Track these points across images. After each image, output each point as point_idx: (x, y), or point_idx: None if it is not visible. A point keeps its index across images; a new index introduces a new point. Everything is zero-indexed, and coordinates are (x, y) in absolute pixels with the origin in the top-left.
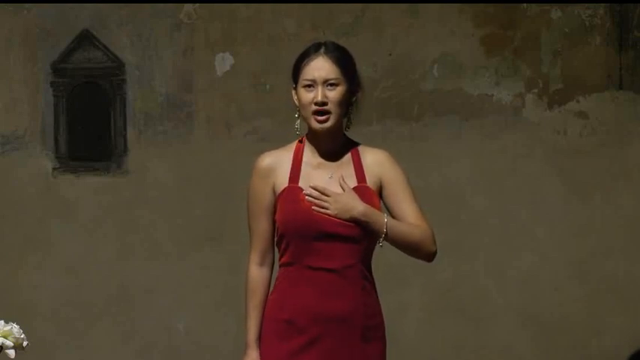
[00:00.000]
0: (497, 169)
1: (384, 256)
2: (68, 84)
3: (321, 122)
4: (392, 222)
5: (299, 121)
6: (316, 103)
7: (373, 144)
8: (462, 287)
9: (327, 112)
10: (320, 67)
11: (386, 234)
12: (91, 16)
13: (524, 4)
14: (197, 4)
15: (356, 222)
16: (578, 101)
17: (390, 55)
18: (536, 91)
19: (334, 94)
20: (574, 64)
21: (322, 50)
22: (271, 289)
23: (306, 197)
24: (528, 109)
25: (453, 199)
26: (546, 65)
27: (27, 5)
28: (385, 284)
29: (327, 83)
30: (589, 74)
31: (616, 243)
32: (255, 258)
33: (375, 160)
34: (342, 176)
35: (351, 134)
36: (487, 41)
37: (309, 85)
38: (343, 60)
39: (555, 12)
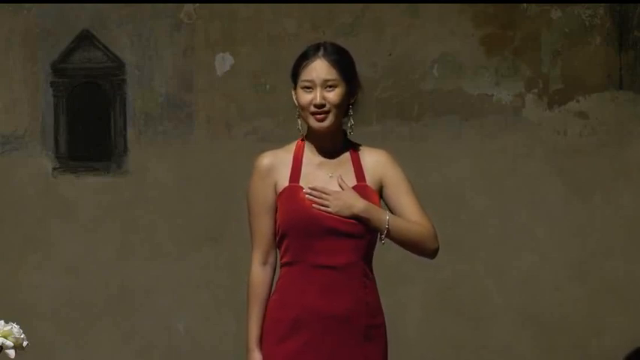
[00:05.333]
0: (497, 169)
1: (383, 256)
2: (68, 84)
3: (319, 121)
4: (393, 218)
5: (300, 121)
6: (315, 105)
7: (373, 144)
8: (462, 287)
9: (326, 113)
10: (318, 68)
11: (388, 230)
12: (91, 16)
13: (524, 4)
14: (197, 4)
15: (357, 219)
16: (578, 101)
17: (390, 55)
18: (536, 91)
19: (332, 96)
20: (574, 64)
21: (320, 53)
22: (273, 289)
23: (307, 196)
24: (528, 109)
25: (453, 199)
26: (546, 65)
27: (27, 5)
28: (385, 283)
29: (326, 85)
30: (589, 74)
31: (616, 243)
32: (258, 258)
33: (375, 160)
34: (341, 175)
35: (351, 134)
36: (487, 41)
37: (307, 87)
38: (342, 62)
39: (555, 12)
